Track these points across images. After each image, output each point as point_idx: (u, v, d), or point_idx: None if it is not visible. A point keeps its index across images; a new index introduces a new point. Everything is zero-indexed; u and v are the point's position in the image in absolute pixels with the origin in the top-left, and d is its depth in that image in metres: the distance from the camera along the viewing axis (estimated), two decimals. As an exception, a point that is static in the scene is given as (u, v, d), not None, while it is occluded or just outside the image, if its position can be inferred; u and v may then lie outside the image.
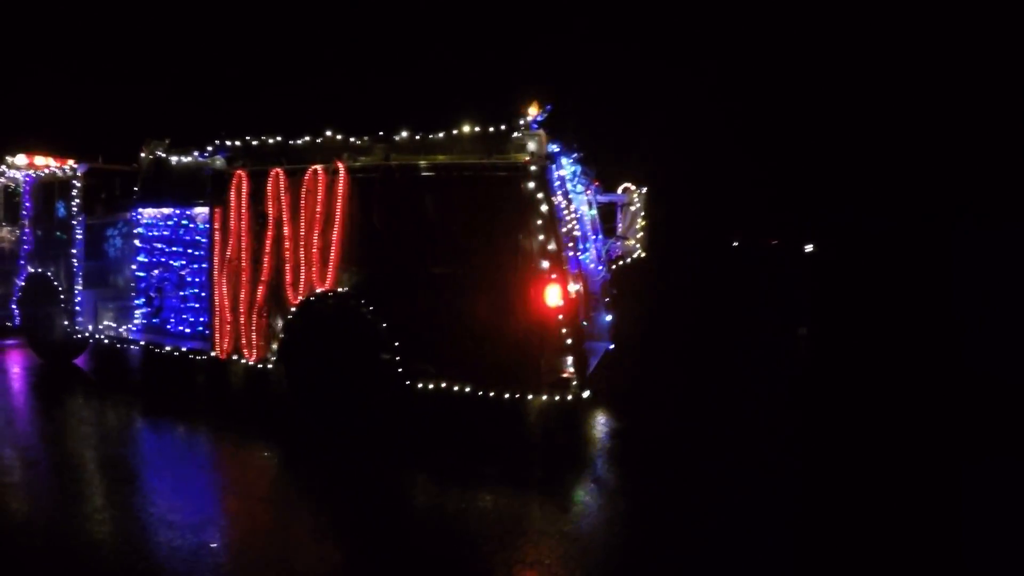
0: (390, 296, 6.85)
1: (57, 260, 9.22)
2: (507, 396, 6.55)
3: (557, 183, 6.77)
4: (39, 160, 9.82)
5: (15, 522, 4.85)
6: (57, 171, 9.23)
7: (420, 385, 6.78)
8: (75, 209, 9.03)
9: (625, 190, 8.86)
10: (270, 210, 7.38)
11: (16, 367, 9.70)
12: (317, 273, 7.16)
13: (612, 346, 8.16)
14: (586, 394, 6.40)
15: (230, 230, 7.62)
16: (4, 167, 9.81)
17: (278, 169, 7.30)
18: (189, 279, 8.28)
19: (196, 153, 7.98)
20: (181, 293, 8.36)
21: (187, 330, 8.29)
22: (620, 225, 8.78)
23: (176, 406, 8.01)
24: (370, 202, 6.95)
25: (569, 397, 6.36)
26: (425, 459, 6.49)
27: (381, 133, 6.97)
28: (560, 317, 6.30)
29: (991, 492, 5.83)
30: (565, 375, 6.42)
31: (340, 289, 7.05)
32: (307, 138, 7.24)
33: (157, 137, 8.66)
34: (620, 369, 8.88)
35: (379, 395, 6.97)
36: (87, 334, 9.07)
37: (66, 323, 9.11)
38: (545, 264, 6.30)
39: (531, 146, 6.36)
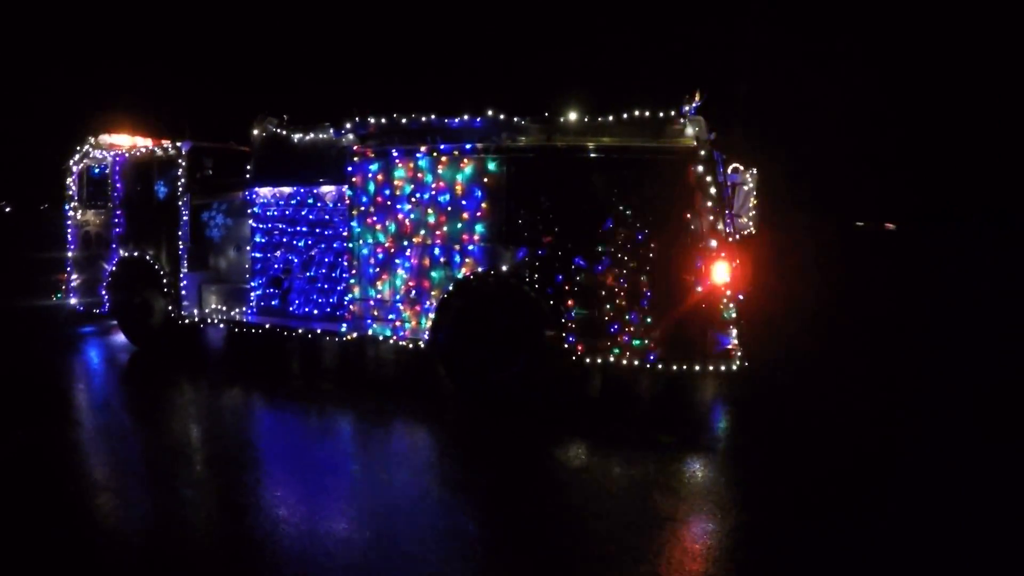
0: (555, 275, 6.95)
1: (158, 242, 8.89)
2: (674, 368, 6.78)
3: (719, 166, 7.00)
4: (125, 139, 9.43)
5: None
6: (157, 151, 8.87)
7: (588, 360, 6.94)
8: (180, 189, 8.71)
9: (735, 170, 9.13)
10: (422, 189, 7.36)
11: (116, 354, 9.32)
12: (475, 252, 7.20)
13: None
14: (746, 364, 6.69)
15: (374, 209, 7.55)
16: (88, 148, 9.36)
17: (432, 147, 7.28)
18: (318, 259, 8.13)
19: (332, 130, 7.80)
20: (308, 274, 8.21)
21: (316, 311, 8.16)
22: (735, 203, 9.04)
23: (306, 389, 7.88)
24: (533, 183, 7.03)
25: (734, 367, 6.63)
26: (593, 429, 6.61)
27: (546, 114, 7.03)
28: (727, 292, 6.57)
29: None
30: (729, 347, 6.68)
31: (502, 267, 7.11)
32: (464, 116, 7.22)
33: (271, 113, 8.41)
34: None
35: (543, 370, 7.11)
36: (193, 319, 8.81)
37: (169, 307, 8.82)
38: (713, 242, 6.57)
39: (690, 131, 6.65)
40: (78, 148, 9.36)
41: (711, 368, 6.68)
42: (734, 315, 6.64)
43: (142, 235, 9.00)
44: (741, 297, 6.80)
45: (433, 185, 7.31)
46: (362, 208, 7.60)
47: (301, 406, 7.19)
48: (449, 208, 7.27)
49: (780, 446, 6.19)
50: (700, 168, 6.56)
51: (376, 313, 7.63)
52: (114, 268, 9.15)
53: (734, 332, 6.67)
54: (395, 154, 7.42)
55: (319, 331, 7.93)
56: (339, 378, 8.49)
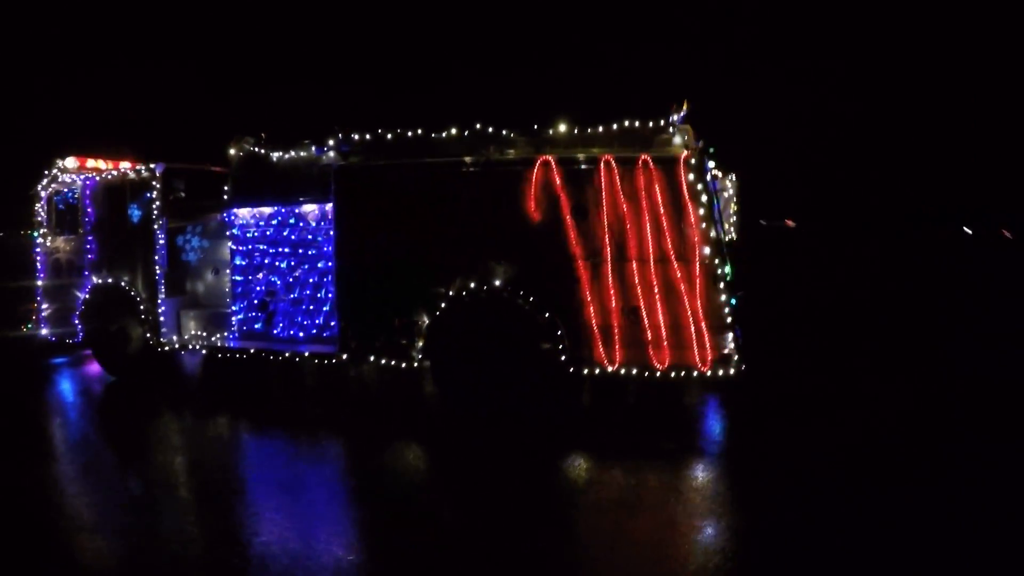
0: (548, 287, 6.87)
1: (133, 268, 8.59)
2: (673, 375, 6.75)
3: (709, 174, 7.02)
4: (94, 163, 9.13)
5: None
6: (130, 173, 8.59)
7: (585, 371, 6.87)
8: (155, 212, 8.43)
9: (714, 177, 9.15)
10: (410, 205, 7.22)
11: (92, 385, 8.98)
12: (465, 268, 7.08)
13: None
14: (743, 368, 6.68)
15: (361, 227, 7.39)
16: (55, 172, 9.03)
17: (421, 163, 7.16)
18: (303, 280, 7.93)
19: (313, 147, 7.63)
20: (293, 296, 7.99)
21: (302, 334, 7.94)
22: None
23: (294, 414, 7.66)
24: (523, 195, 6.95)
25: (731, 372, 6.62)
26: (592, 441, 6.53)
27: (535, 127, 6.98)
28: (723, 298, 6.58)
29: None
30: (726, 352, 6.67)
31: (495, 282, 7.00)
32: (452, 131, 7.12)
33: (248, 133, 8.21)
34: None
35: (539, 384, 7.02)
36: (173, 346, 8.52)
37: (148, 335, 8.51)
38: (707, 249, 6.58)
39: (678, 139, 6.68)
40: (45, 172, 9.03)
41: (709, 374, 6.66)
42: (730, 320, 6.64)
43: (116, 261, 8.70)
44: (735, 302, 6.80)
45: (422, 201, 7.18)
46: (348, 226, 7.43)
47: (290, 431, 6.98)
48: (439, 223, 7.15)
49: (778, 448, 6.18)
50: (691, 176, 6.57)
51: (367, 333, 7.45)
52: (87, 296, 8.82)
53: (731, 336, 6.67)
54: (381, 170, 7.28)
55: (307, 354, 7.72)
56: (326, 401, 8.29)
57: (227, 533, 4.63)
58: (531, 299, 6.88)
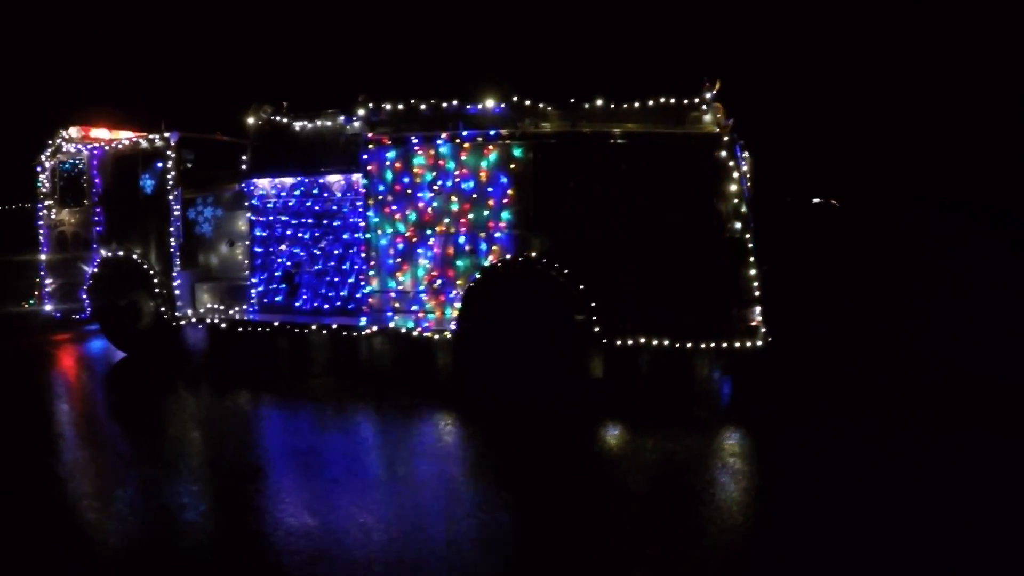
0: (583, 259, 6.93)
1: (146, 240, 8.35)
2: (702, 346, 6.89)
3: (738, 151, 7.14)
4: (100, 132, 8.82)
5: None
6: (142, 142, 8.32)
7: (618, 342, 6.95)
8: (170, 183, 8.20)
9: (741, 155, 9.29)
10: (444, 176, 7.18)
11: (101, 361, 8.71)
12: (501, 239, 7.09)
13: None
14: (769, 339, 6.86)
15: (392, 198, 7.32)
16: (60, 141, 8.69)
17: (454, 134, 7.12)
18: (328, 252, 7.81)
19: (341, 116, 7.50)
20: (316, 267, 7.88)
21: (326, 306, 7.84)
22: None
23: (320, 387, 7.56)
24: (559, 169, 6.98)
25: (758, 343, 6.78)
26: (625, 409, 6.59)
27: (571, 100, 7.00)
28: (751, 272, 6.73)
29: None
30: (753, 323, 6.83)
31: (530, 254, 7.02)
32: (488, 103, 7.08)
33: (267, 101, 8.03)
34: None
35: (572, 354, 7.08)
36: (188, 319, 8.32)
37: (163, 309, 8.29)
38: (737, 224, 6.72)
39: (708, 118, 6.83)
40: (48, 142, 8.69)
41: (737, 345, 6.81)
42: (756, 293, 6.79)
43: (127, 233, 8.44)
44: (761, 275, 6.94)
45: (456, 172, 7.14)
46: (379, 197, 7.35)
47: (317, 405, 6.88)
48: (473, 195, 7.13)
49: (803, 413, 6.33)
50: (723, 153, 6.70)
51: (397, 305, 7.40)
52: (96, 270, 8.54)
53: (757, 309, 6.82)
54: (415, 141, 7.21)
55: (334, 326, 7.63)
56: (347, 373, 8.19)
57: (258, 510, 4.51)
58: (565, 271, 6.93)
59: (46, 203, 8.77)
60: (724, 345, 6.86)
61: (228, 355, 9.05)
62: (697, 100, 6.84)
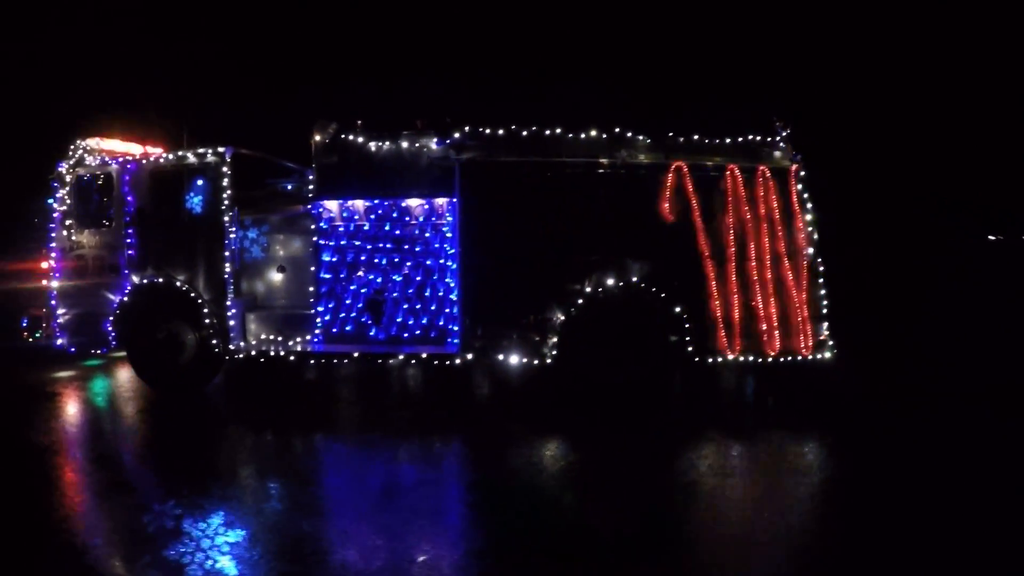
0: (677, 283, 7.24)
1: (192, 265, 7.57)
2: (782, 360, 7.41)
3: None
4: (127, 146, 7.95)
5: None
6: (189, 157, 7.57)
7: (709, 360, 7.30)
8: (225, 202, 7.52)
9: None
10: (543, 203, 7.20)
11: (115, 403, 7.75)
12: (599, 265, 7.21)
13: None
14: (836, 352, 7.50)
15: (491, 224, 7.21)
16: (81, 154, 7.71)
17: (557, 161, 7.18)
18: (408, 279, 7.50)
19: (435, 138, 7.28)
20: (394, 295, 7.54)
21: (405, 334, 7.51)
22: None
23: (400, 419, 7.21)
24: (655, 197, 7.25)
25: (828, 356, 7.44)
26: (718, 420, 6.95)
27: (670, 134, 7.29)
28: (821, 291, 7.40)
29: None
30: (822, 338, 7.48)
31: (631, 279, 7.20)
32: (591, 132, 7.20)
33: (335, 119, 7.61)
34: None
35: (666, 374, 7.35)
36: (241, 353, 7.63)
37: (214, 341, 7.55)
38: (810, 249, 7.38)
39: (778, 153, 7.47)
40: (70, 153, 7.68)
41: (811, 358, 7.39)
42: (826, 309, 7.45)
43: (168, 257, 7.61)
44: (827, 293, 7.59)
45: (559, 199, 7.18)
46: (478, 223, 7.21)
47: (427, 437, 6.56)
48: (573, 221, 7.19)
49: (871, 417, 6.92)
50: (799, 185, 7.40)
51: (495, 332, 7.27)
52: (126, 298, 7.62)
53: (826, 324, 7.47)
54: (518, 167, 7.16)
55: (423, 355, 7.34)
56: (427, 402, 7.89)
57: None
58: (662, 295, 7.18)
59: (63, 223, 7.72)
60: (799, 358, 7.41)
61: (283, 390, 8.32)
62: (771, 138, 7.47)
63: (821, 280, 7.45)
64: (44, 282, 7.89)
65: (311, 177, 7.59)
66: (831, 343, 7.43)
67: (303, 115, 7.97)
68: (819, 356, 7.37)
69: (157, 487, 5.23)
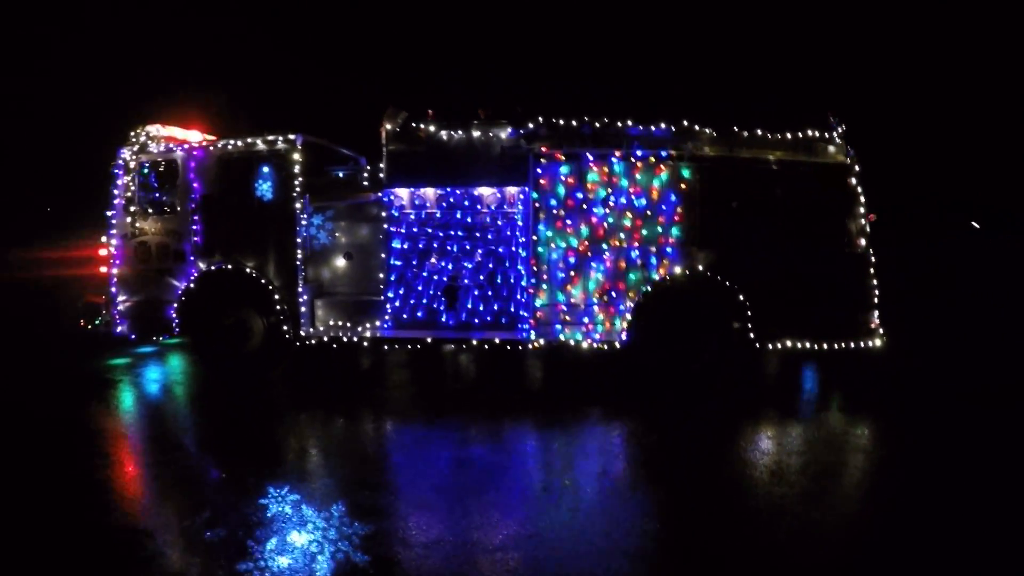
0: (740, 271, 7.61)
1: (262, 252, 7.56)
2: (837, 347, 7.89)
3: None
4: (190, 133, 7.84)
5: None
6: (258, 144, 7.53)
7: (770, 346, 7.73)
8: (296, 189, 7.52)
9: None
10: (617, 193, 7.45)
11: (193, 387, 7.68)
12: (670, 254, 7.53)
13: None
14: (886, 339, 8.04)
15: (565, 213, 7.43)
16: (144, 140, 7.57)
17: (628, 153, 7.42)
18: (479, 266, 7.69)
19: (509, 129, 7.43)
20: (466, 281, 7.71)
21: (477, 320, 7.70)
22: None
23: (495, 402, 7.30)
24: (721, 189, 7.58)
25: (878, 343, 7.96)
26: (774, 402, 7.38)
27: (734, 128, 7.62)
28: (873, 281, 7.90)
29: None
30: (873, 326, 8.00)
31: (696, 267, 7.55)
32: (662, 125, 7.47)
33: (405, 108, 7.68)
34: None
35: (729, 358, 7.73)
36: (311, 339, 7.69)
37: (285, 327, 7.58)
38: (863, 241, 7.85)
39: (832, 148, 7.86)
40: (133, 139, 7.53)
41: (862, 345, 7.90)
42: (876, 299, 7.95)
43: (236, 244, 7.58)
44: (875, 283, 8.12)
45: (629, 189, 7.45)
46: (551, 211, 7.42)
47: (513, 419, 6.79)
48: (644, 212, 7.49)
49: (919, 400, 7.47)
50: (854, 180, 7.79)
51: (567, 318, 7.53)
52: (192, 285, 7.57)
53: (876, 313, 7.98)
54: (590, 158, 7.39)
55: (496, 340, 7.54)
56: (497, 387, 8.04)
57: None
58: (727, 283, 7.56)
59: (125, 209, 7.58)
60: (852, 345, 7.90)
61: (358, 374, 8.35)
62: (827, 135, 7.85)
63: (872, 271, 7.93)
64: (103, 269, 7.73)
65: (381, 165, 7.66)
66: (881, 331, 7.93)
67: (350, 103, 8.01)
68: (870, 343, 7.84)
69: (251, 472, 5.34)
